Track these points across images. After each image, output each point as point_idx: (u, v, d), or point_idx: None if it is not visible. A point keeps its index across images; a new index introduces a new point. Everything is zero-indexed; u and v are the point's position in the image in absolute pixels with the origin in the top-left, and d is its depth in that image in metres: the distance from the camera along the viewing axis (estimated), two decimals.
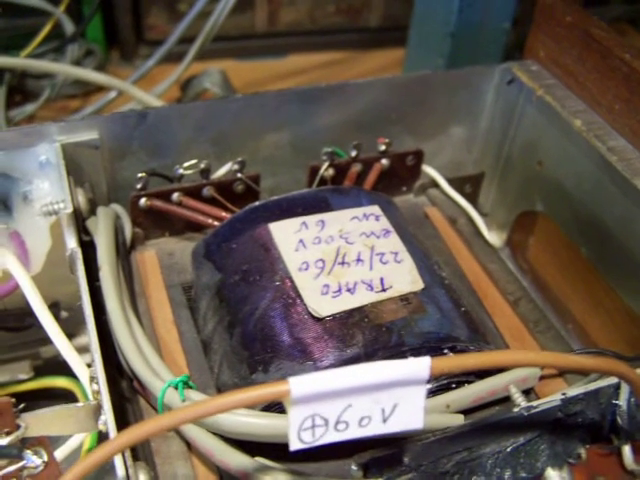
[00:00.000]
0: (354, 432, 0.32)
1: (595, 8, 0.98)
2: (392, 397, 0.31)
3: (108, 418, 0.38)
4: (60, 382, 0.57)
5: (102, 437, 0.46)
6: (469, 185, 0.67)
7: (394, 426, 0.32)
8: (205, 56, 0.87)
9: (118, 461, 0.36)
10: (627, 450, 0.40)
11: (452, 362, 0.32)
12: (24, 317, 0.57)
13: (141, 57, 0.99)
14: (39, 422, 0.41)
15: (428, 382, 0.31)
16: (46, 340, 0.47)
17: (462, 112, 0.65)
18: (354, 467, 0.37)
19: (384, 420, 0.32)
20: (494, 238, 0.62)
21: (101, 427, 0.41)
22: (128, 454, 0.37)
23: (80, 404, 0.41)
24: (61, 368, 0.52)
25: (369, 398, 0.31)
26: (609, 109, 0.55)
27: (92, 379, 0.43)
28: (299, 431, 0.31)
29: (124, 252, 0.52)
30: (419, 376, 0.31)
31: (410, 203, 0.64)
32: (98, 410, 0.41)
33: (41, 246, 0.51)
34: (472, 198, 0.66)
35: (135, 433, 0.32)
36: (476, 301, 0.54)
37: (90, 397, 0.42)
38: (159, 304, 0.51)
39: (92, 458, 0.32)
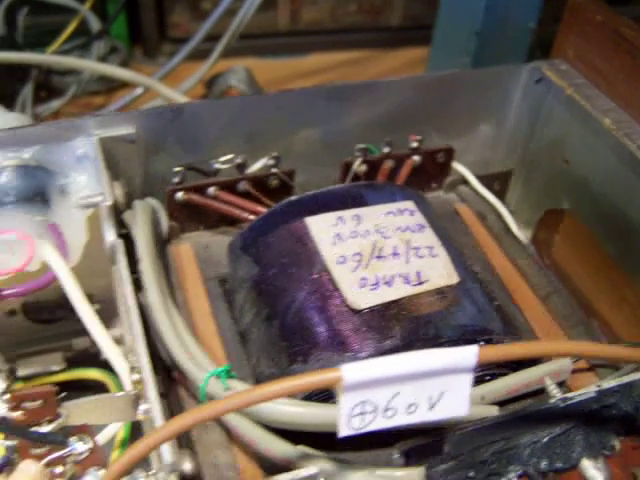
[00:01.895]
0: (401, 419, 0.32)
1: (617, 7, 0.98)
2: (439, 385, 0.32)
3: (154, 407, 0.39)
4: (92, 374, 0.58)
5: (137, 427, 0.47)
6: (497, 182, 0.67)
7: (440, 413, 0.33)
8: (227, 54, 0.87)
9: (166, 448, 0.36)
10: None
11: (499, 350, 0.33)
12: (55, 310, 0.58)
13: (164, 54, 1.00)
14: (79, 411, 0.41)
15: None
16: (78, 332, 0.48)
17: (490, 110, 0.65)
18: (396, 455, 0.37)
19: (431, 407, 0.32)
20: (521, 235, 0.63)
21: (139, 416, 0.42)
22: (174, 442, 0.37)
23: (120, 394, 0.42)
24: (92, 360, 0.53)
25: (417, 385, 0.32)
26: (638, 108, 0.55)
27: (132, 369, 0.43)
28: (349, 417, 0.31)
29: (161, 245, 0.52)
30: (467, 364, 0.32)
31: (440, 199, 0.64)
32: (137, 400, 0.41)
33: (78, 238, 0.51)
34: (500, 195, 0.66)
35: (186, 420, 0.32)
36: (506, 296, 0.54)
37: (127, 387, 0.43)
38: (196, 297, 0.52)
39: (142, 445, 0.33)
